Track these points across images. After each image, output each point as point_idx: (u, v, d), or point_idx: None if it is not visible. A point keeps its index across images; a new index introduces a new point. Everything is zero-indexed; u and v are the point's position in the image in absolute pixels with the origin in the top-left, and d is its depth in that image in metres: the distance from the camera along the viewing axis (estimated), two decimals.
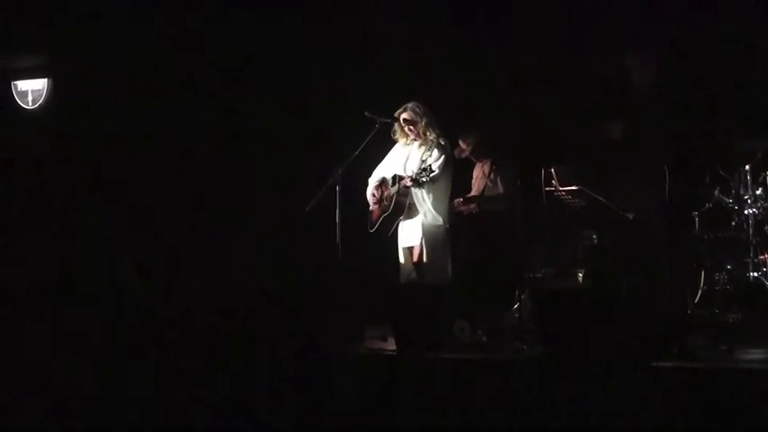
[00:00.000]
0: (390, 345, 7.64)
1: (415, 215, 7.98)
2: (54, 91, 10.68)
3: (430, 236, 7.90)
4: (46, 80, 10.71)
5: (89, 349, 7.31)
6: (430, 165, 7.71)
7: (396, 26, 9.22)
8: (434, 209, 7.91)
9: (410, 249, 8.01)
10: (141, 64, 9.87)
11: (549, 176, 8.00)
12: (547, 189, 8.01)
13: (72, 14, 9.90)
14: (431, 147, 7.93)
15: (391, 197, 8.00)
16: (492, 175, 8.29)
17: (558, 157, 8.16)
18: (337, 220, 7.88)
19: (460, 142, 8.31)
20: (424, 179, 7.68)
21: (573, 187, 7.88)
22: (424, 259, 7.90)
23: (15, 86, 10.82)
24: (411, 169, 7.93)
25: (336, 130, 8.79)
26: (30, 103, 10.76)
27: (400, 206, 7.97)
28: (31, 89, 10.78)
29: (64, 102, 10.55)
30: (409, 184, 7.80)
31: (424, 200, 7.91)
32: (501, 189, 8.25)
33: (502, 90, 8.89)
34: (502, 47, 8.96)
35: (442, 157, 7.88)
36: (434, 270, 7.86)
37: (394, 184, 8.03)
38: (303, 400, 6.42)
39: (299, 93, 9.55)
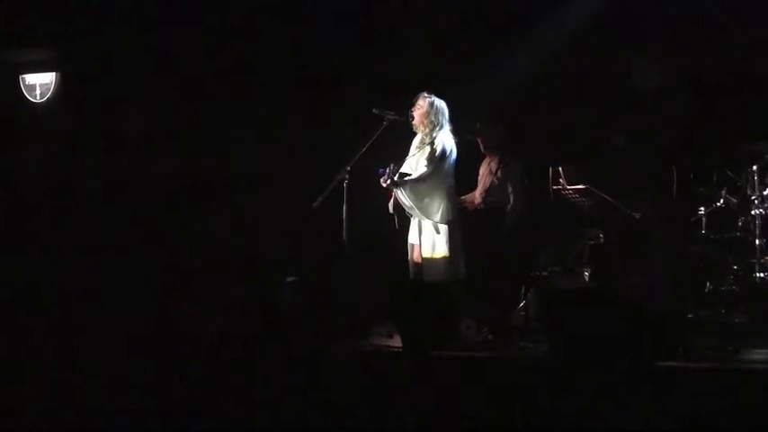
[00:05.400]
0: (396, 342, 7.65)
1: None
2: (62, 85, 10.68)
3: (426, 235, 7.79)
4: (54, 74, 10.71)
5: None
6: (408, 174, 7.66)
7: (409, 23, 9.24)
8: (420, 209, 7.76)
9: (412, 247, 7.93)
10: (149, 58, 9.87)
11: (556, 175, 8.01)
12: (554, 188, 8.01)
13: (80, 8, 9.91)
14: (423, 145, 7.82)
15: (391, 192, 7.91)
16: (499, 173, 8.27)
17: (566, 156, 8.17)
18: (344, 217, 7.86)
19: (478, 124, 8.29)
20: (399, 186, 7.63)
21: (580, 186, 7.88)
22: (421, 257, 7.82)
23: (23, 80, 10.82)
24: (405, 167, 7.84)
25: (345, 127, 8.78)
26: (38, 97, 10.77)
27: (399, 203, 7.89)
28: (39, 83, 10.79)
29: (72, 96, 10.55)
30: (385, 185, 7.73)
31: (404, 201, 7.78)
32: (508, 187, 8.23)
33: (512, 89, 8.90)
34: (513, 47, 8.98)
35: (434, 158, 7.72)
36: (432, 268, 7.77)
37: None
38: (307, 397, 6.42)
39: (308, 89, 9.55)
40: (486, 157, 8.51)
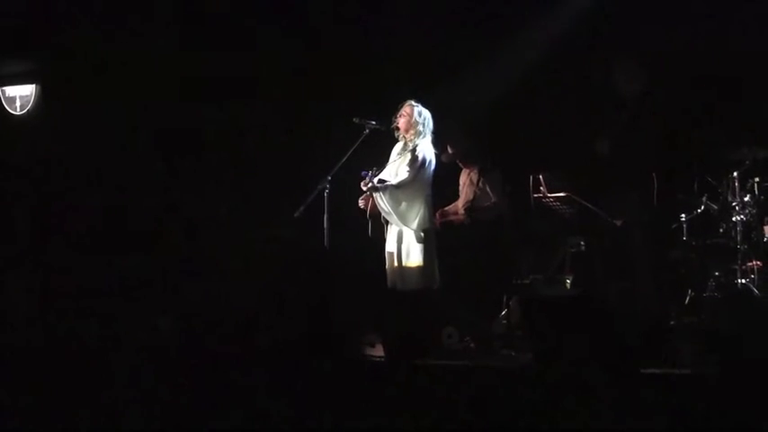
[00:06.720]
0: (378, 351, 7.62)
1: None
2: (42, 97, 10.65)
3: (403, 242, 7.77)
4: (34, 86, 10.69)
5: None
6: (388, 180, 7.66)
7: (386, 32, 9.25)
8: (397, 216, 7.74)
9: (390, 255, 7.90)
10: (129, 69, 9.85)
11: (537, 183, 8.01)
12: (535, 196, 8.02)
13: (60, 20, 9.89)
14: (404, 152, 7.82)
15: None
16: (481, 183, 8.26)
17: (547, 164, 8.18)
18: (325, 226, 7.84)
19: (448, 147, 8.28)
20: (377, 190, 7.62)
21: (561, 194, 7.90)
22: (396, 265, 7.79)
23: (3, 92, 10.81)
24: (385, 173, 7.85)
25: (326, 136, 8.78)
26: (18, 109, 10.74)
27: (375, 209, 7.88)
28: (19, 95, 10.76)
29: (52, 107, 10.52)
30: (364, 188, 7.73)
31: (382, 206, 7.79)
32: (491, 196, 8.22)
33: (491, 97, 8.90)
34: (491, 55, 8.99)
35: (415, 166, 7.72)
36: (406, 276, 7.74)
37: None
38: (292, 406, 6.39)
39: (290, 98, 9.54)
40: (466, 167, 8.51)
